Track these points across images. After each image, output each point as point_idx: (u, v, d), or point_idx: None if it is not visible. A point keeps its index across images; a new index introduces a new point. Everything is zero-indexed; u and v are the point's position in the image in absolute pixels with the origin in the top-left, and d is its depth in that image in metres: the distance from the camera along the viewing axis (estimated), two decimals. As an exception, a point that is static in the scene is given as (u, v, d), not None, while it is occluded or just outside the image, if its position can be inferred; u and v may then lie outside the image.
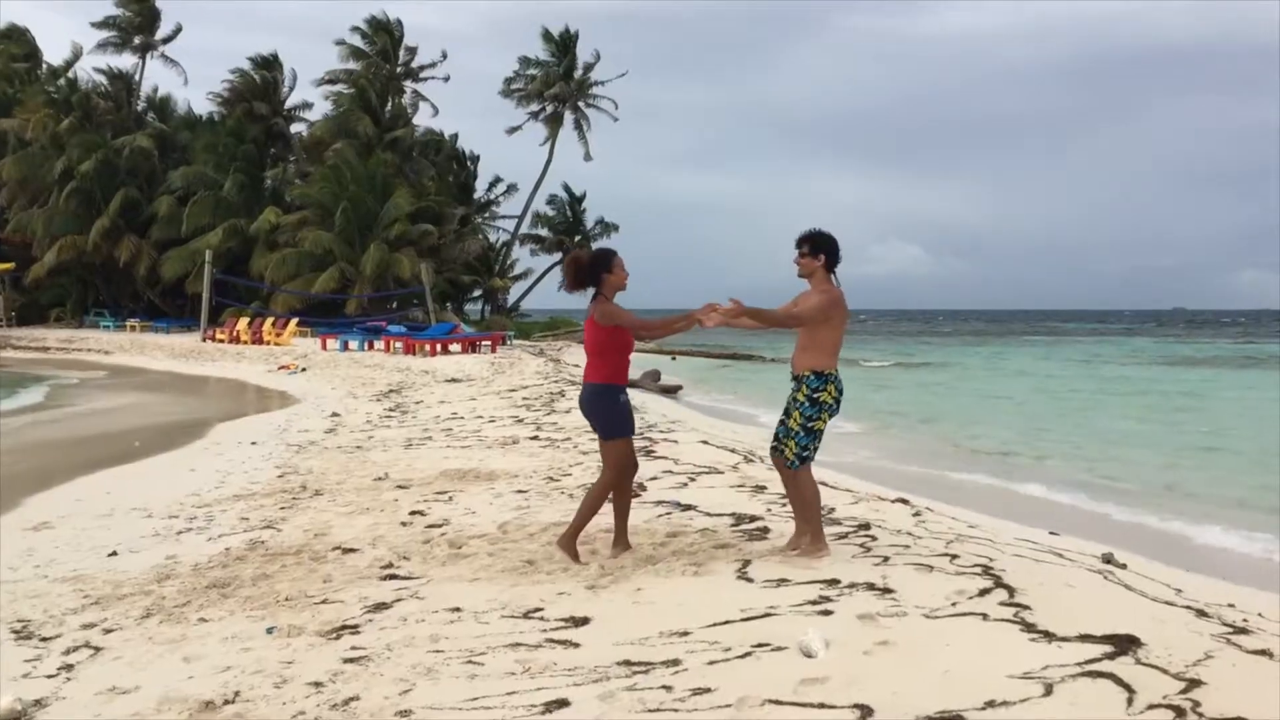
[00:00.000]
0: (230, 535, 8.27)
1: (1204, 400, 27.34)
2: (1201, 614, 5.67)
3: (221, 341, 41.41)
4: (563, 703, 4.38)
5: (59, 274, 54.27)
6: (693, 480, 9.83)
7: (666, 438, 13.24)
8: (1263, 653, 4.82)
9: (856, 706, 4.18)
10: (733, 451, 12.01)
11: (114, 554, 7.81)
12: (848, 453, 15.87)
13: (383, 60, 55.68)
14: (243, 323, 42.65)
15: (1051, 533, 8.90)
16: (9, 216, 53.80)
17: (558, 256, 56.91)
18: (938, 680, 4.42)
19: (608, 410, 6.60)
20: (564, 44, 57.13)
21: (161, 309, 54.60)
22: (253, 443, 14.54)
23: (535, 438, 13.44)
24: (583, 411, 6.82)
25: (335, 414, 18.08)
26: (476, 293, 57.95)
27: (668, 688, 4.48)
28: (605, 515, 6.92)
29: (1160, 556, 9.19)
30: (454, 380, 23.96)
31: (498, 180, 59.51)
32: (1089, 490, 13.04)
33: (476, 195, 58.91)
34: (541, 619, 5.58)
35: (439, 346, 33.24)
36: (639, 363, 33.76)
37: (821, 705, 4.22)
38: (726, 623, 5.30)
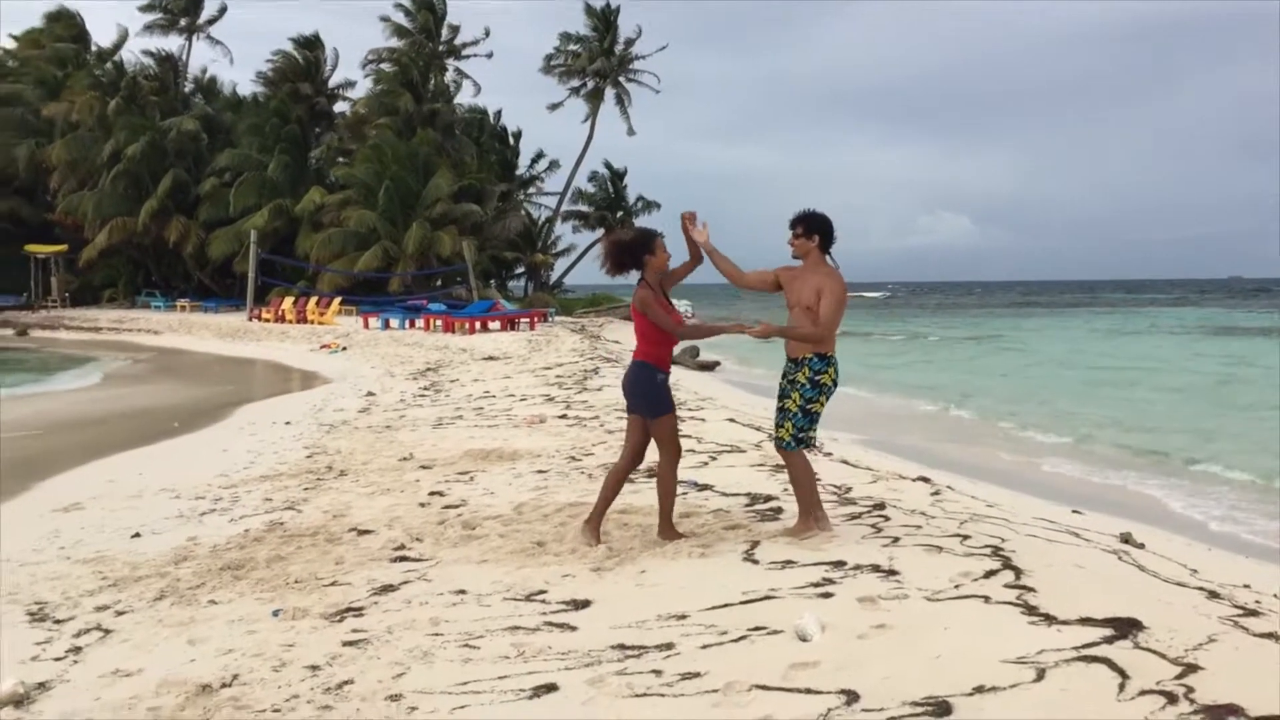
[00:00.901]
0: (252, 516, 8.37)
1: (1245, 371, 26.85)
2: (1213, 595, 5.59)
3: (267, 321, 41.80)
4: (551, 687, 4.39)
5: (110, 255, 54.93)
6: (713, 459, 9.80)
7: (694, 415, 13.22)
8: (1270, 636, 4.74)
9: (843, 692, 4.16)
10: (757, 430, 11.97)
11: (137, 535, 7.92)
12: (879, 429, 15.78)
13: (425, 38, 55.75)
14: (288, 302, 43.05)
15: (1074, 511, 8.82)
16: (60, 199, 54.53)
17: (600, 233, 56.81)
18: (929, 665, 4.38)
19: (646, 387, 6.54)
20: (605, 19, 56.85)
21: (211, 289, 55.23)
22: (286, 422, 14.69)
23: (564, 416, 13.47)
24: (624, 388, 6.75)
25: (370, 393, 18.22)
26: (519, 269, 58.01)
27: (657, 672, 4.48)
28: (618, 496, 6.93)
29: (1187, 534, 9.09)
30: (491, 358, 24.05)
31: (540, 156, 59.46)
32: (1121, 466, 12.89)
33: (519, 172, 58.90)
34: (543, 602, 5.59)
35: (478, 324, 33.35)
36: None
37: (808, 690, 4.21)
38: (726, 606, 5.29)
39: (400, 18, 55.22)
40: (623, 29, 57.09)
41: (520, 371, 20.48)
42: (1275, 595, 5.90)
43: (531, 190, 59.76)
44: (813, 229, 6.46)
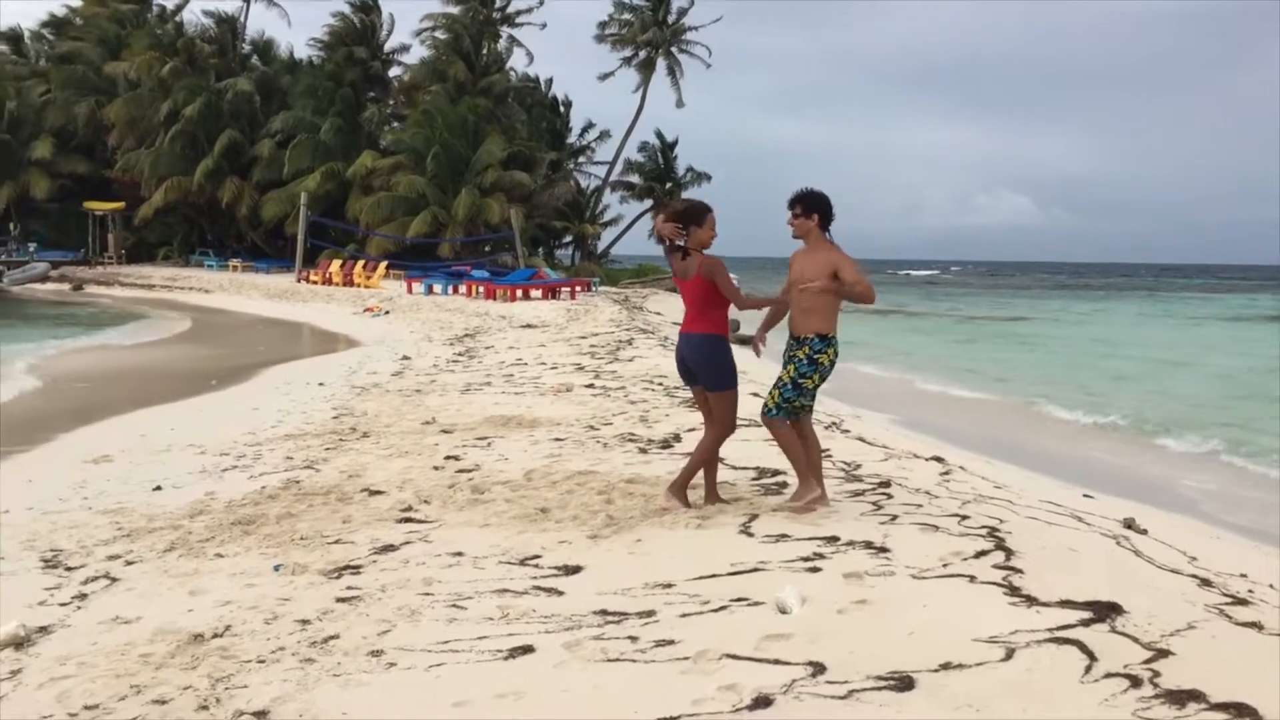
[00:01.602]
0: (271, 474, 8.55)
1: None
2: (1205, 583, 5.57)
3: (315, 283, 42.28)
4: (527, 649, 4.49)
5: (166, 213, 55.62)
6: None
7: (719, 389, 13.23)
8: (1252, 625, 4.73)
9: (810, 663, 4.22)
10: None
11: (158, 489, 8.14)
12: (910, 408, 15.75)
13: (480, 4, 55.82)
14: (335, 265, 43.51)
15: (1086, 495, 8.77)
16: (118, 156, 55.33)
17: (648, 204, 56.72)
18: (900, 641, 4.43)
19: (720, 360, 6.62)
20: (659, -11, 56.52)
21: (263, 249, 55.88)
22: (320, 383, 14.91)
23: (590, 386, 13.56)
24: (687, 363, 6.77)
25: (405, 357, 18.44)
26: (567, 238, 58.16)
27: (633, 638, 4.57)
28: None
29: (1201, 521, 9.02)
30: (529, 326, 24.21)
31: (590, 126, 59.49)
32: (1151, 451, 12.79)
33: (569, 140, 58.98)
34: (536, 566, 5.70)
35: (519, 292, 33.52)
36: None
37: (777, 661, 4.27)
38: (713, 576, 5.36)
39: (455, -16, 55.26)
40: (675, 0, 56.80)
41: (555, 340, 20.60)
42: (1271, 586, 5.88)
43: (581, 159, 59.82)
44: (811, 208, 6.47)
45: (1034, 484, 9.15)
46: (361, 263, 43.49)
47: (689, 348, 6.70)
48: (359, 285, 40.82)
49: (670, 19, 56.57)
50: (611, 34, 57.49)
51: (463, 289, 35.94)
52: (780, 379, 6.58)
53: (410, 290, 37.85)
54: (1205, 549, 6.98)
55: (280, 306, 36.21)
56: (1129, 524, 7.10)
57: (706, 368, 6.64)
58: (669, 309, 33.70)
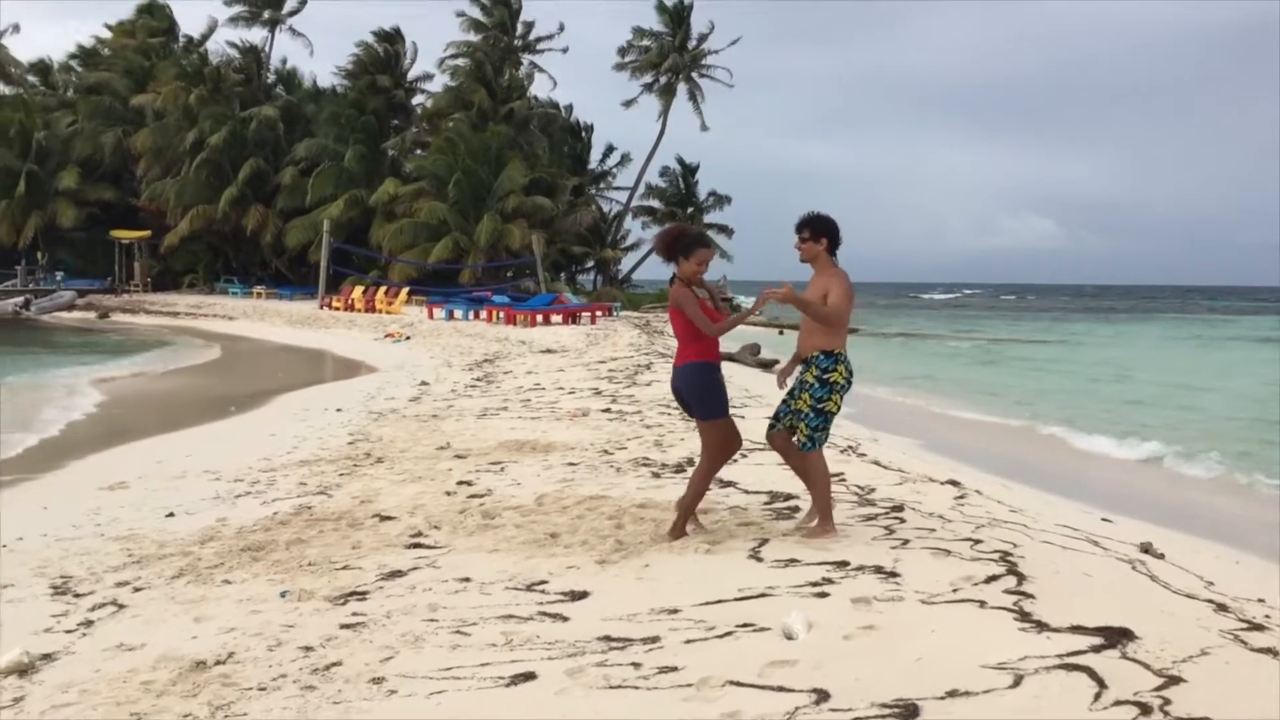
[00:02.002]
0: (284, 500, 8.55)
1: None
2: (1221, 608, 5.49)
3: (337, 309, 42.54)
4: (530, 676, 4.46)
5: (191, 241, 56.14)
6: (744, 456, 9.75)
7: (735, 413, 13.11)
8: (1267, 651, 4.65)
9: (815, 691, 4.17)
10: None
11: (171, 515, 8.16)
12: (931, 432, 15.64)
13: (500, 32, 56.30)
14: (357, 291, 43.75)
15: (1105, 519, 8.66)
16: (144, 185, 55.90)
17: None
18: (907, 667, 4.37)
19: (708, 389, 6.57)
20: (678, 15, 56.85)
21: (287, 276, 56.26)
22: (338, 409, 14.94)
23: (607, 410, 13.54)
24: (681, 394, 6.74)
25: (424, 382, 18.46)
26: (589, 263, 58.31)
27: (637, 664, 4.53)
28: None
29: (1225, 544, 8.88)
30: (549, 351, 24.25)
31: (611, 150, 59.73)
32: (1172, 474, 12.64)
33: (590, 166, 59.23)
34: (543, 592, 5.67)
35: (539, 317, 33.60)
36: (745, 336, 33.65)
37: (781, 688, 4.22)
38: (719, 602, 5.32)
39: (476, 13, 55.82)
40: (695, 25, 57.11)
41: (574, 365, 20.61)
42: (1289, 610, 5.77)
43: (602, 185, 60.06)
44: (820, 231, 6.46)
45: (1051, 508, 9.04)
46: (383, 289, 43.74)
47: (679, 378, 6.66)
48: (381, 311, 41.04)
49: (690, 44, 56.82)
50: (630, 61, 57.83)
51: (483, 314, 36.09)
52: (800, 410, 6.52)
53: (431, 316, 37.99)
54: (1224, 573, 6.88)
55: (303, 333, 36.39)
56: (1146, 548, 7.00)
57: (696, 396, 6.59)
58: (688, 333, 33.63)
